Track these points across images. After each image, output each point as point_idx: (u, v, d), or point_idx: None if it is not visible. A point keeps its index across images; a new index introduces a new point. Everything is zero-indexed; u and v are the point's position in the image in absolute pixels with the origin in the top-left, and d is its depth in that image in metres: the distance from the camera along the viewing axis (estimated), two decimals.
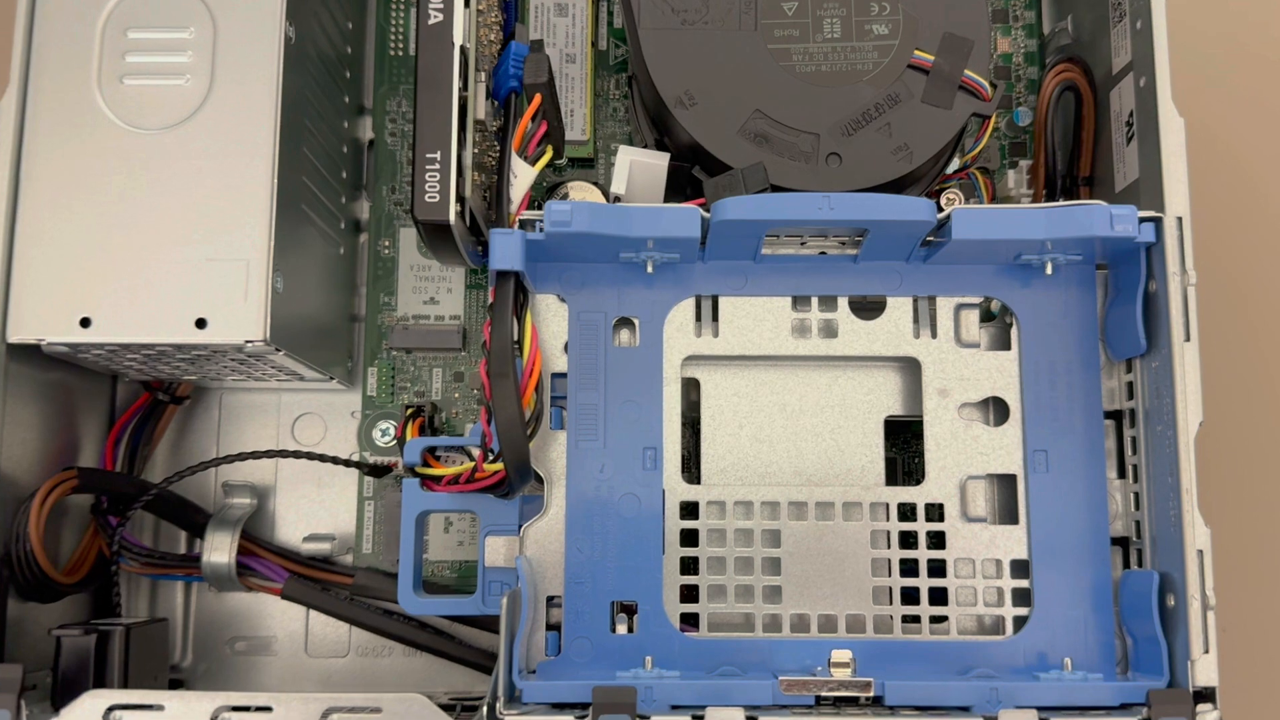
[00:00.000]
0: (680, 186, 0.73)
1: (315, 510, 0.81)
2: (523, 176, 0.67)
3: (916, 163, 0.69)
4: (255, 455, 0.76)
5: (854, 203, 0.64)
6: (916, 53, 0.70)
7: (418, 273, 0.83)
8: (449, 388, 0.82)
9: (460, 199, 0.67)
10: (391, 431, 0.80)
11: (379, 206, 0.84)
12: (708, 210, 0.65)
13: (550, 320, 0.70)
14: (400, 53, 0.85)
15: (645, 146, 0.77)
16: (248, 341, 0.64)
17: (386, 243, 0.84)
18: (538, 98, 0.66)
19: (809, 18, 0.71)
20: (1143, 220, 0.64)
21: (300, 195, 0.70)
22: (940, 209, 0.66)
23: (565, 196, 0.82)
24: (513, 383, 0.63)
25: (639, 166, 0.71)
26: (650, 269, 0.69)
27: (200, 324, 0.64)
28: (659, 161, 0.72)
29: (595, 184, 0.83)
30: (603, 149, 0.85)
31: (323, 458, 0.77)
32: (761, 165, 0.67)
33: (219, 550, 0.76)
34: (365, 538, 0.80)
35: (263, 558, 0.77)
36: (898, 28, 0.71)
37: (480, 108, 0.69)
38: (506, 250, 0.64)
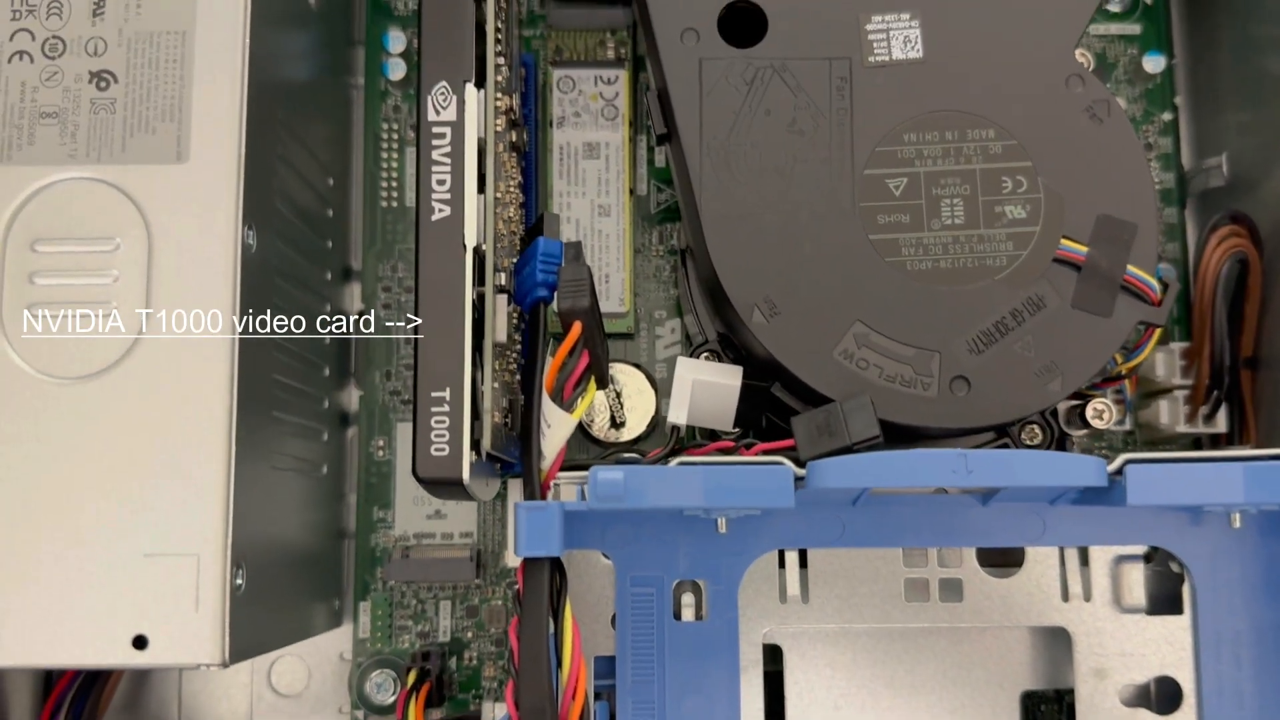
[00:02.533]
0: (755, 404, 0.57)
1: None
2: (558, 427, 0.51)
3: (1068, 390, 0.53)
4: None
5: (999, 464, 0.49)
6: (1064, 242, 0.54)
7: None
8: (460, 625, 0.66)
9: (475, 445, 0.51)
10: (389, 685, 0.65)
11: (370, 397, 0.68)
12: (801, 464, 0.49)
13: (592, 584, 0.55)
14: (394, 204, 0.69)
15: (699, 326, 0.61)
16: (202, 665, 0.48)
17: (381, 443, 0.68)
18: (577, 327, 0.50)
19: (922, 198, 0.55)
20: None
21: (270, 403, 0.54)
22: (1108, 461, 0.50)
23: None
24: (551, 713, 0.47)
25: (704, 388, 0.55)
26: (723, 527, 0.53)
27: (139, 643, 0.48)
28: (729, 381, 0.56)
29: (637, 365, 0.67)
30: (644, 316, 0.69)
31: None
32: (868, 401, 0.52)
33: None
34: None
35: None
36: (1038, 209, 0.55)
37: (500, 327, 0.53)
38: (539, 531, 0.48)
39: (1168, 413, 0.64)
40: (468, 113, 0.53)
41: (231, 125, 0.51)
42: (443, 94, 0.53)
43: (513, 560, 0.52)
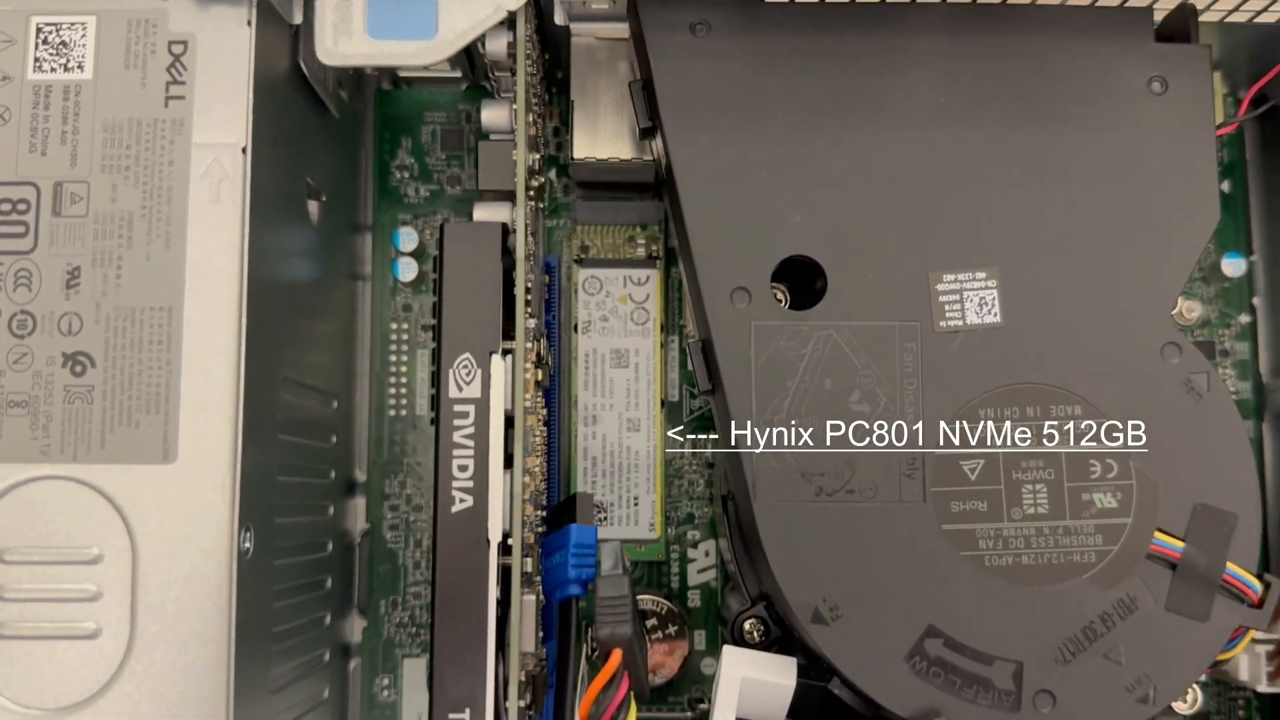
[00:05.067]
0: (811, 704, 0.51)
1: None
2: None
3: (1161, 704, 0.48)
4: None
5: None
6: (1158, 535, 0.49)
7: None
8: None
9: None
10: None
11: (374, 630, 0.62)
12: None
13: None
14: (403, 412, 0.63)
15: (741, 580, 0.55)
16: None
17: (385, 681, 0.62)
18: (617, 654, 0.44)
19: (1001, 483, 0.49)
20: None
21: (266, 665, 0.48)
22: None
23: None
24: None
25: (753, 686, 0.50)
26: None
27: None
28: (783, 680, 0.50)
29: (666, 597, 0.61)
30: (675, 539, 0.63)
31: None
32: (939, 716, 0.46)
33: None
34: None
35: None
36: (1130, 497, 0.49)
37: (528, 635, 0.47)
38: None
39: (1247, 669, 0.58)
40: (494, 388, 0.47)
41: (226, 418, 0.45)
42: (465, 368, 0.47)
43: None
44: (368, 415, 0.63)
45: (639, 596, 0.61)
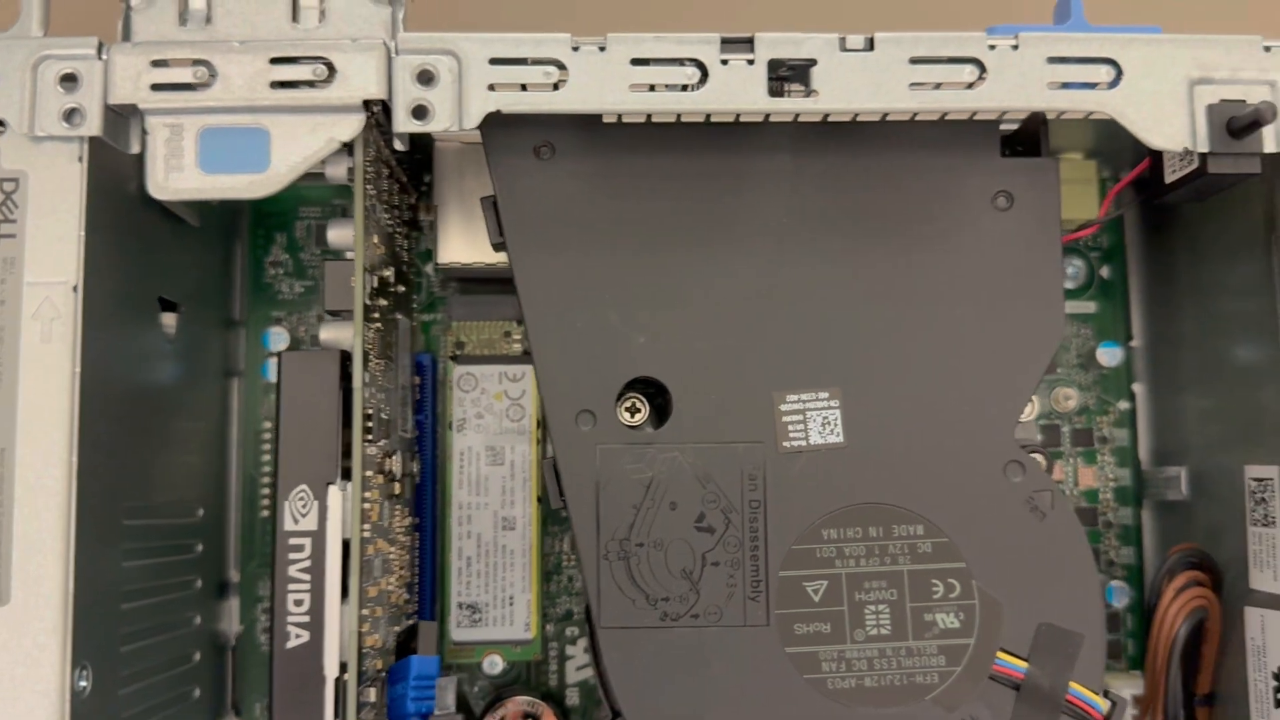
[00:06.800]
0: None
1: None
2: None
3: None
4: None
5: None
6: (1001, 656, 0.49)
7: None
8: None
9: None
10: None
11: None
12: None
13: None
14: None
15: (603, 688, 0.55)
16: None
17: None
18: None
19: (845, 604, 0.49)
20: None
21: None
22: None
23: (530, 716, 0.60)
24: None
25: None
26: None
27: None
28: None
29: (543, 697, 0.61)
30: (554, 636, 0.63)
31: None
32: None
33: None
34: None
35: None
36: (972, 618, 0.49)
37: None
38: None
39: None
40: (330, 520, 0.47)
41: (57, 557, 0.45)
42: (301, 499, 0.47)
43: None
44: (237, 516, 0.62)
45: (515, 698, 0.61)
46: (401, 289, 0.57)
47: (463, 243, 0.59)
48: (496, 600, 0.62)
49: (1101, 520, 0.64)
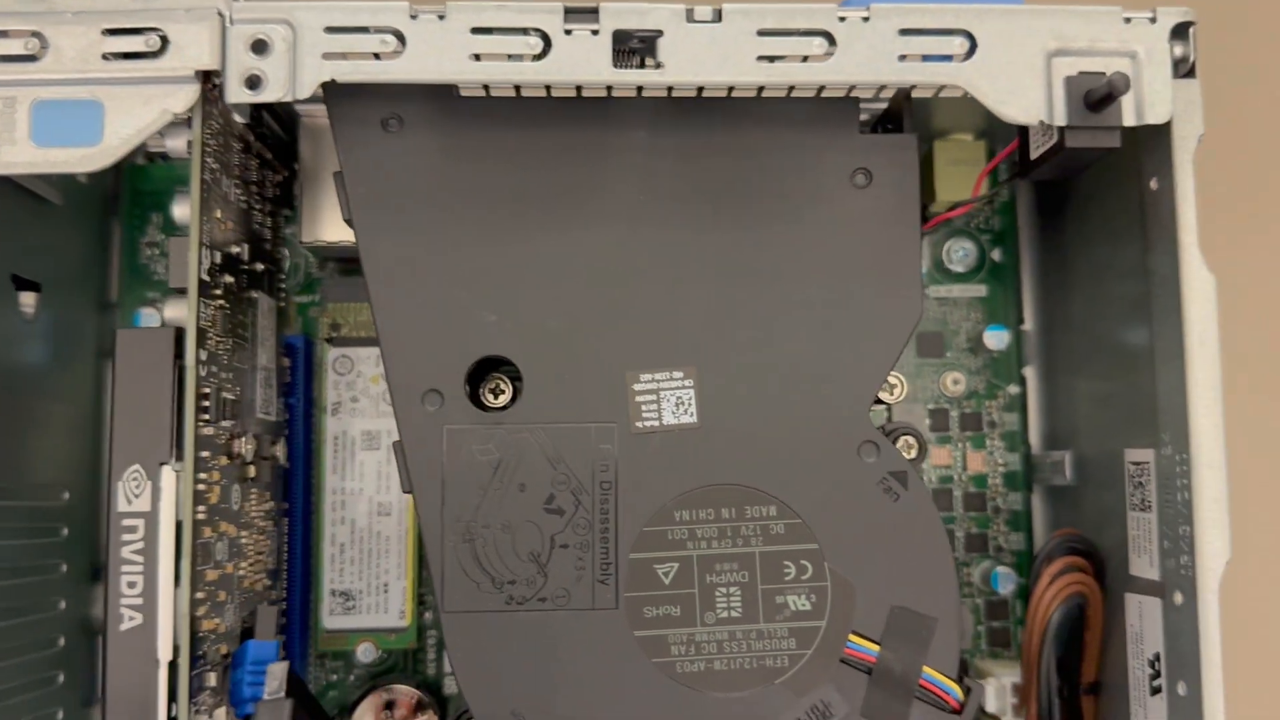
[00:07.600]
0: None
1: None
2: None
3: None
4: None
5: None
6: (853, 639, 0.48)
7: None
8: None
9: None
10: None
11: None
12: None
13: None
14: None
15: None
16: None
17: None
18: None
19: (695, 586, 0.48)
20: None
21: None
22: None
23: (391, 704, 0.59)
24: None
25: None
26: None
27: None
28: None
29: (418, 685, 0.60)
30: (431, 624, 0.62)
31: None
32: None
33: None
34: None
35: None
36: (824, 600, 0.48)
37: None
38: None
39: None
40: (164, 500, 0.46)
41: None
42: (135, 480, 0.46)
43: None
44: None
45: (392, 686, 0.60)
46: (259, 267, 0.56)
47: (333, 222, 0.58)
48: (371, 587, 0.61)
49: (990, 506, 0.64)
